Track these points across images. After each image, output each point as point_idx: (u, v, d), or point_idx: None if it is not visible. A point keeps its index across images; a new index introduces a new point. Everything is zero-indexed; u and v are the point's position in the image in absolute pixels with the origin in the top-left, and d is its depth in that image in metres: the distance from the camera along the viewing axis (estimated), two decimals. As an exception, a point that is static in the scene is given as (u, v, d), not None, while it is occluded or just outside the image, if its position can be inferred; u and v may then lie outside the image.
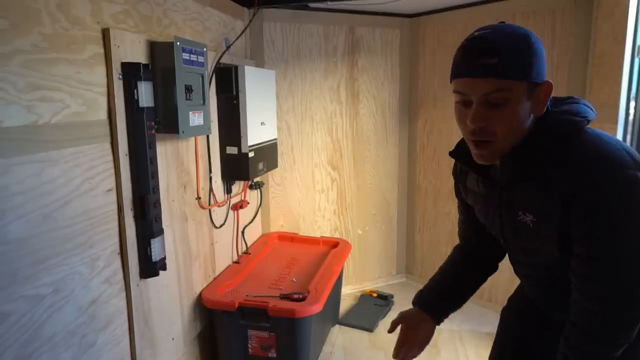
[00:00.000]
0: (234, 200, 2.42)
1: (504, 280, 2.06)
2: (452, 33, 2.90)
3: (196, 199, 2.01)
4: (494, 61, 0.86)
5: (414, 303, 1.29)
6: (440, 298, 1.27)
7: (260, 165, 2.38)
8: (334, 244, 2.77)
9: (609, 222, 0.88)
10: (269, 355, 2.04)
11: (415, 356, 1.23)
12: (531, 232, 1.00)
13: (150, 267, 1.61)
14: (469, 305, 2.87)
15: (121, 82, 1.47)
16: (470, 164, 1.05)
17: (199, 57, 1.73)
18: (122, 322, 1.55)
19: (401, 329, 1.26)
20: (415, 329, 1.24)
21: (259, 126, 2.35)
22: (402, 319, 1.27)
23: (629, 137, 2.01)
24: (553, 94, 0.97)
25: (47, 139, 1.20)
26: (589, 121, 0.95)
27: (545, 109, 0.96)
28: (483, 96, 0.89)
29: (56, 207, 1.24)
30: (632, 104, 1.99)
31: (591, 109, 0.98)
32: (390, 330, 1.28)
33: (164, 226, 1.69)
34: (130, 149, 1.52)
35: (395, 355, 1.23)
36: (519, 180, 0.99)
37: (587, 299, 0.93)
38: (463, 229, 1.33)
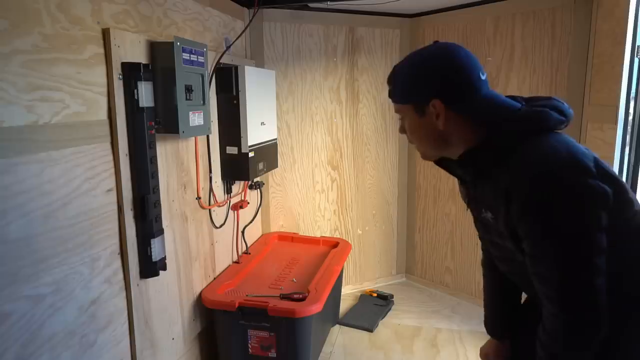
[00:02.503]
0: (234, 200, 2.42)
1: (504, 280, 2.06)
2: (452, 33, 2.90)
3: (196, 199, 2.01)
4: (390, 88, 1.08)
5: (490, 334, 1.38)
6: (500, 321, 1.35)
7: (260, 165, 2.38)
8: (334, 244, 2.77)
9: (539, 223, 0.89)
10: (269, 355, 2.04)
11: None
12: (493, 228, 1.04)
13: (150, 267, 1.62)
14: (468, 305, 2.90)
15: (121, 82, 1.47)
16: (447, 164, 1.13)
17: (199, 57, 1.73)
18: (122, 322, 1.55)
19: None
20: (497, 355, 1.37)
21: (259, 126, 2.35)
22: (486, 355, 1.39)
23: (628, 137, 2.01)
24: (548, 94, 0.99)
25: (47, 139, 1.20)
26: (542, 129, 0.95)
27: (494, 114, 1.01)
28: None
29: (57, 207, 1.24)
30: (632, 104, 1.99)
31: (560, 114, 0.98)
32: None
33: (164, 226, 1.69)
34: (130, 149, 1.52)
35: None
36: (478, 179, 1.04)
37: (543, 298, 0.94)
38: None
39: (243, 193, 2.50)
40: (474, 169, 1.03)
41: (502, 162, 0.95)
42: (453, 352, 2.49)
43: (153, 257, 1.61)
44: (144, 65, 1.52)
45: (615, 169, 2.01)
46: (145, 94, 1.52)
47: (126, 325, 1.57)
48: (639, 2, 1.92)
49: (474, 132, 1.00)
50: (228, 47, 2.13)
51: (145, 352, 1.66)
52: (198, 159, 1.99)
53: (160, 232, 1.66)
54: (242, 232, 2.51)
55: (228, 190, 2.33)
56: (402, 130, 1.10)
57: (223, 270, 2.32)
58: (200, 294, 2.07)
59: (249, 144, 2.22)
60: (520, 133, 0.95)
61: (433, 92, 1.00)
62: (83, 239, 1.35)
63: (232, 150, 2.23)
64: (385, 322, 2.82)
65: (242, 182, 2.47)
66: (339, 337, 2.65)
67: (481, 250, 1.37)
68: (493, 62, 2.70)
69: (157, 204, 1.64)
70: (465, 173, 1.07)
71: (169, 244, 1.78)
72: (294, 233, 2.93)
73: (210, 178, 2.14)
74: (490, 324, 1.36)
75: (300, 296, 2.04)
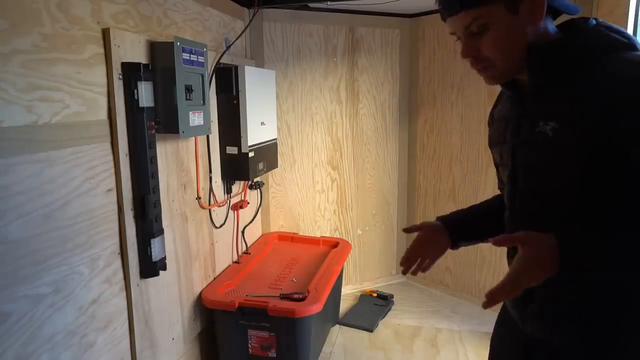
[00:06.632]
0: (234, 200, 2.42)
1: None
2: (452, 33, 2.90)
3: (196, 199, 2.01)
4: None
5: (437, 218, 1.23)
6: (463, 220, 1.22)
7: (260, 165, 2.38)
8: (334, 244, 2.77)
9: None
10: (269, 355, 2.04)
11: (424, 269, 1.18)
12: (548, 145, 0.92)
13: (151, 267, 1.62)
14: (468, 305, 2.90)
15: (121, 82, 1.47)
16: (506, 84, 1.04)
17: (199, 57, 1.73)
18: (122, 322, 1.55)
19: (416, 239, 1.20)
20: (431, 241, 1.19)
21: (259, 126, 2.35)
22: (422, 226, 1.20)
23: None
24: None
25: (47, 139, 1.20)
26: (633, 46, 0.88)
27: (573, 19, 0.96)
28: (465, 29, 0.93)
29: (56, 207, 1.24)
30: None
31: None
32: (407, 231, 1.20)
33: (164, 226, 1.69)
34: (130, 149, 1.52)
35: (404, 263, 1.17)
36: (548, 87, 0.93)
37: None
38: (499, 183, 1.26)
39: (243, 193, 2.50)
40: (551, 69, 0.91)
41: (581, 72, 0.87)
42: (453, 352, 2.49)
43: (153, 257, 1.61)
44: (144, 65, 1.52)
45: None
46: (145, 94, 1.52)
47: (126, 325, 1.57)
48: (639, 2, 1.93)
49: (550, 37, 0.93)
50: (228, 47, 2.13)
51: (145, 352, 1.66)
52: (198, 159, 1.99)
53: (160, 232, 1.66)
54: (242, 232, 2.51)
55: (228, 190, 2.33)
56: (472, 50, 0.94)
57: (223, 270, 2.32)
58: (200, 294, 2.07)
59: (249, 144, 2.22)
60: (606, 46, 0.88)
61: None
62: (83, 239, 1.35)
63: (232, 150, 2.23)
64: (385, 322, 2.82)
65: (242, 182, 2.47)
66: (339, 337, 2.65)
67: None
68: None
69: (157, 204, 1.64)
70: (535, 76, 0.94)
71: (169, 244, 1.78)
72: (294, 233, 2.93)
73: (210, 178, 2.14)
74: (455, 214, 1.22)
75: (300, 296, 2.04)
